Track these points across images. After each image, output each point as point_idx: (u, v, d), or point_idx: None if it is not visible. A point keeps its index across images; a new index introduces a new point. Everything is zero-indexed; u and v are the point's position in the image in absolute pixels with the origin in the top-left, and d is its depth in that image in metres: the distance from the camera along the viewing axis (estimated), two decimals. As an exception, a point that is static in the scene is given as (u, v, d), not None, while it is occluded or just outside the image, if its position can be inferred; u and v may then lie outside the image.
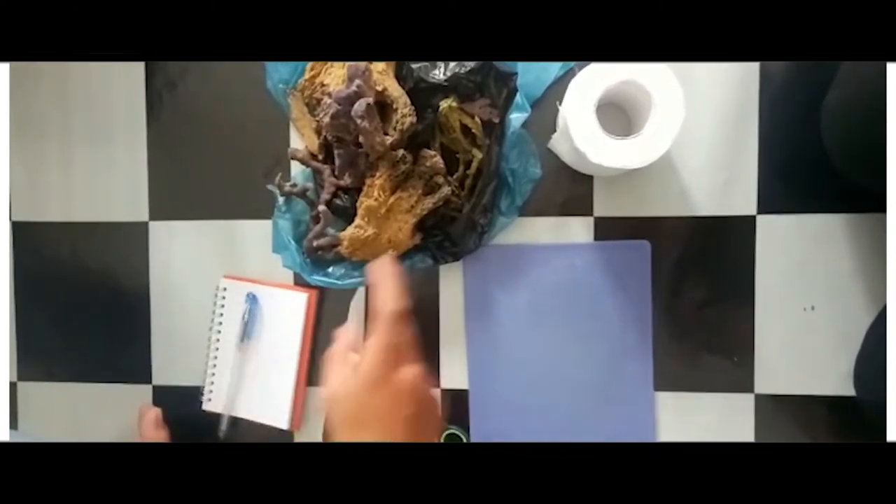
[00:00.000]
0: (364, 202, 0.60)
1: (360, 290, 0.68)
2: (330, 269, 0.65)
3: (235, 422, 0.70)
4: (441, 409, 0.68)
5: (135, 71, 0.70)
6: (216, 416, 0.70)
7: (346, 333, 0.52)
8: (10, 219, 0.72)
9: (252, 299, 0.69)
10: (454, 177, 0.62)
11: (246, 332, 0.69)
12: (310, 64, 0.63)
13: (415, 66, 0.59)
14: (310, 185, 0.66)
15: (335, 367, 0.49)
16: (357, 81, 0.56)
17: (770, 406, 0.64)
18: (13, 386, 0.73)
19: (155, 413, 0.67)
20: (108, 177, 0.71)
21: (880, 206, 0.49)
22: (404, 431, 0.47)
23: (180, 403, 0.70)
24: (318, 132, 0.64)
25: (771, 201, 0.63)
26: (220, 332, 0.70)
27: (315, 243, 0.63)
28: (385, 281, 0.48)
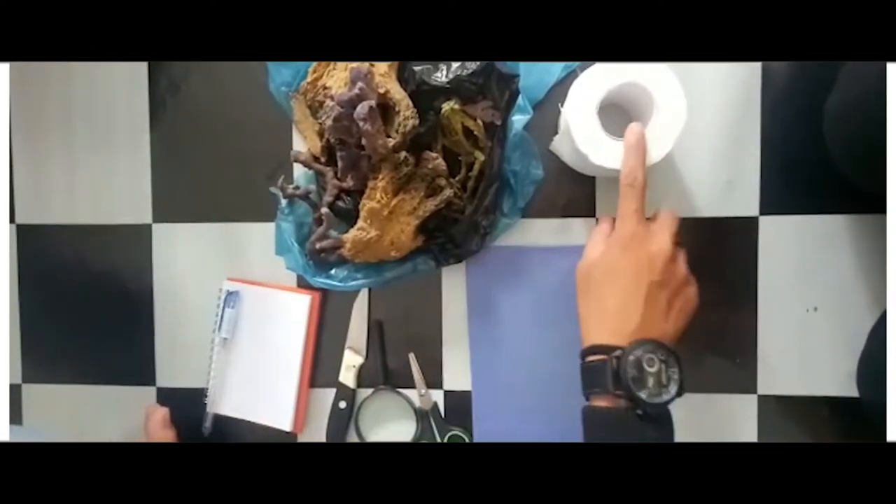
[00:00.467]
0: (367, 204, 0.61)
1: (363, 292, 0.68)
2: (333, 272, 0.65)
3: (226, 420, 0.70)
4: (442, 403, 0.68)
5: (138, 74, 0.70)
6: (219, 418, 0.70)
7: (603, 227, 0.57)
8: (15, 221, 0.73)
9: (231, 297, 0.69)
10: (456, 179, 0.62)
11: (222, 328, 0.69)
12: (312, 66, 0.63)
13: (417, 68, 0.59)
14: (312, 187, 0.66)
15: (594, 237, 0.56)
16: (359, 84, 0.56)
17: (773, 407, 0.64)
18: (17, 388, 0.73)
19: (162, 413, 0.67)
20: (111, 179, 0.71)
21: (883, 207, 0.49)
22: (647, 295, 0.52)
23: (184, 405, 0.70)
24: (320, 135, 0.64)
25: (773, 202, 0.63)
26: (223, 334, 0.70)
27: (318, 245, 0.63)
28: (635, 151, 0.53)
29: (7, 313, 0.71)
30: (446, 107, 0.59)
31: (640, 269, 0.53)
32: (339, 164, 0.62)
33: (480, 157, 0.61)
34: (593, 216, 0.65)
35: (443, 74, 0.59)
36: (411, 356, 0.68)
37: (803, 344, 0.64)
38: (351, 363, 0.68)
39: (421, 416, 0.68)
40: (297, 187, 0.65)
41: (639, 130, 0.54)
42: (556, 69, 0.64)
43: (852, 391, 0.61)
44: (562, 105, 0.60)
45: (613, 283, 0.53)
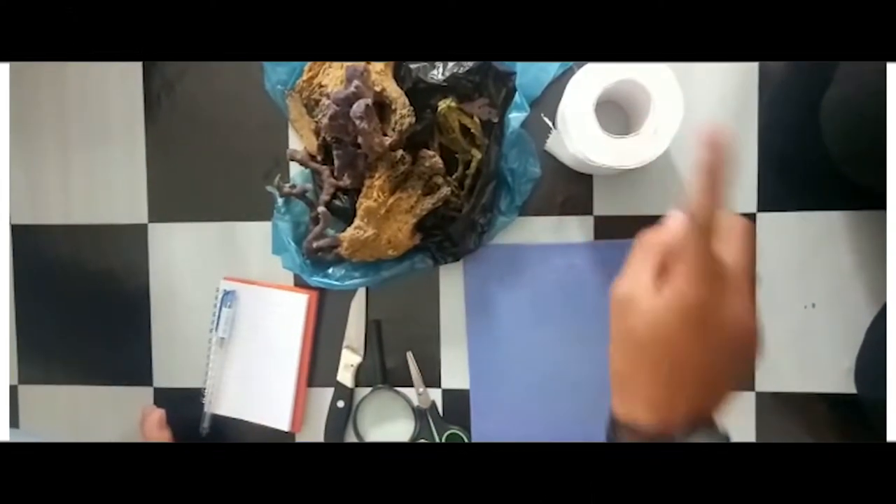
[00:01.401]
0: (363, 203, 0.60)
1: (361, 291, 0.68)
2: (330, 271, 0.65)
3: (223, 420, 0.70)
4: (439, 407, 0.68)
5: (133, 73, 0.70)
6: (217, 418, 0.70)
7: (671, 227, 0.39)
8: (10, 222, 0.72)
9: (228, 296, 0.68)
10: (453, 177, 0.62)
11: (220, 328, 0.68)
12: (308, 65, 0.63)
13: (413, 66, 0.59)
14: (309, 186, 0.66)
15: (641, 259, 0.40)
16: (355, 82, 0.56)
17: (771, 403, 0.64)
18: (14, 389, 0.73)
19: (159, 414, 0.67)
20: (106, 179, 0.71)
21: (881, 203, 0.49)
22: (726, 382, 0.39)
23: (181, 405, 0.70)
24: (316, 133, 0.64)
25: (771, 199, 0.63)
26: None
27: (315, 244, 0.63)
28: (712, 178, 0.36)
29: (7, 315, 0.71)
30: (443, 105, 0.59)
31: (716, 348, 0.37)
32: (336, 162, 0.62)
33: (477, 154, 0.61)
34: (591, 214, 0.65)
35: (439, 72, 0.59)
36: (409, 355, 0.68)
37: (801, 340, 0.64)
38: (349, 362, 0.68)
39: (419, 414, 0.68)
40: (294, 186, 0.65)
41: (715, 141, 0.36)
42: (552, 67, 0.63)
43: (850, 388, 0.62)
44: (545, 115, 0.60)
45: (669, 355, 0.38)
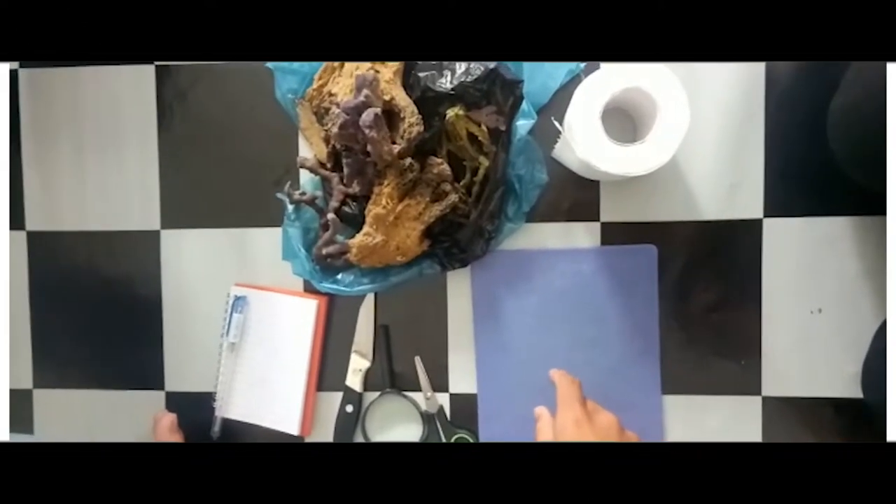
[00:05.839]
0: (372, 210, 0.61)
1: (370, 297, 0.68)
2: (339, 277, 0.66)
3: (234, 424, 0.71)
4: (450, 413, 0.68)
5: (145, 81, 0.71)
6: (227, 422, 0.71)
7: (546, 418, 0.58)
8: (25, 228, 0.73)
9: (239, 302, 0.69)
10: (461, 184, 0.63)
11: (230, 333, 0.69)
12: (318, 73, 0.64)
13: (421, 74, 0.60)
14: (319, 193, 0.67)
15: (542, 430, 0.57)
16: (365, 91, 0.57)
17: (777, 408, 0.64)
18: (28, 393, 0.74)
19: (170, 419, 0.68)
20: (120, 186, 0.72)
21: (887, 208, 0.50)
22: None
23: (193, 409, 0.70)
24: (326, 141, 0.64)
25: (777, 205, 0.63)
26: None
27: (324, 251, 0.64)
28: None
29: (7, 313, 0.72)
30: (451, 113, 0.59)
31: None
32: (345, 170, 0.62)
33: (485, 162, 0.61)
34: (597, 220, 0.65)
35: (447, 80, 0.59)
36: (417, 360, 0.68)
37: (807, 346, 0.64)
38: (357, 367, 0.69)
39: (427, 419, 0.68)
40: (304, 193, 0.66)
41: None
42: (559, 74, 0.64)
43: (856, 393, 0.62)
44: (555, 118, 0.60)
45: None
